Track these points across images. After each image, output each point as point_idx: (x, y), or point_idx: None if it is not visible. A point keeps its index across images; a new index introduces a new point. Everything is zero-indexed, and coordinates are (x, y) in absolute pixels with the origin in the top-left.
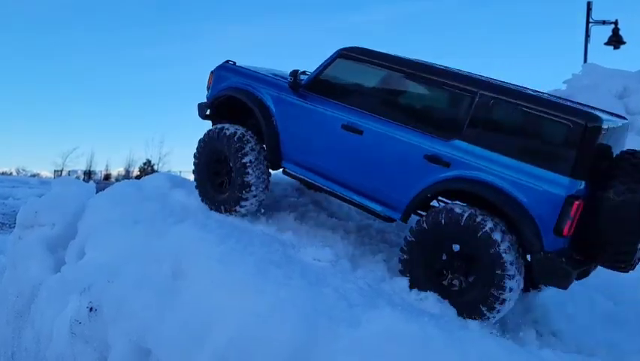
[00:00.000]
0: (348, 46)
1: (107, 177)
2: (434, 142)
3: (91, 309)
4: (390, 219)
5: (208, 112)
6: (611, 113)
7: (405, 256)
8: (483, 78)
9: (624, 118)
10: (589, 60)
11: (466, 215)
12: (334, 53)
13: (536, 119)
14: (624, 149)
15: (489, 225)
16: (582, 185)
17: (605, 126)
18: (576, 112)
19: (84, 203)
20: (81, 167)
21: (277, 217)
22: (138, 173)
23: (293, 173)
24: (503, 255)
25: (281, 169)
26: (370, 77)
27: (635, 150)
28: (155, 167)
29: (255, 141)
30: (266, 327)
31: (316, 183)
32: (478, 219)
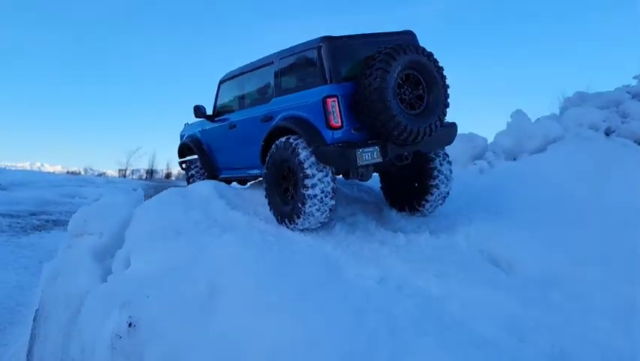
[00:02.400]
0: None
1: (168, 175)
2: (263, 107)
3: (130, 325)
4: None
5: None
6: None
7: (265, 186)
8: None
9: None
10: None
11: (283, 141)
12: (218, 83)
13: (303, 60)
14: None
15: (294, 143)
16: (336, 87)
17: (344, 41)
18: (317, 39)
19: (131, 212)
20: (144, 166)
21: (324, 228)
22: None
23: (223, 177)
24: (304, 161)
25: None
26: (234, 87)
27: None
28: None
29: None
30: (301, 357)
31: (231, 177)
32: (290, 140)
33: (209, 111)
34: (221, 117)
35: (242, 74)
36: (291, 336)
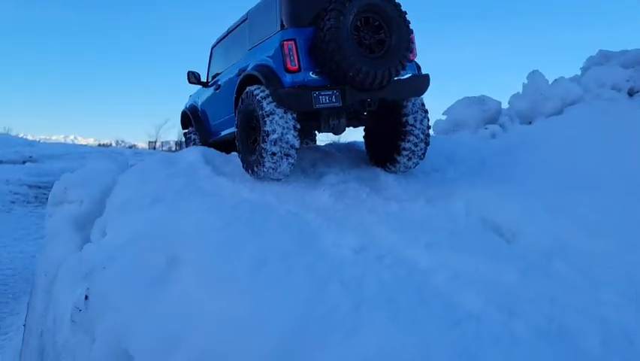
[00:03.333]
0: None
1: None
2: (239, 63)
3: (86, 297)
4: None
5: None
6: None
7: (238, 138)
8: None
9: None
10: None
11: (248, 89)
12: (210, 49)
13: (268, 11)
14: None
15: (255, 90)
16: (293, 31)
17: None
18: None
19: (115, 179)
20: (173, 137)
21: (310, 195)
22: None
23: (213, 140)
24: (263, 106)
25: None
26: (221, 51)
27: None
28: None
29: None
30: (243, 336)
31: (217, 139)
32: (252, 89)
33: (205, 79)
34: (213, 82)
35: (226, 35)
36: (235, 312)
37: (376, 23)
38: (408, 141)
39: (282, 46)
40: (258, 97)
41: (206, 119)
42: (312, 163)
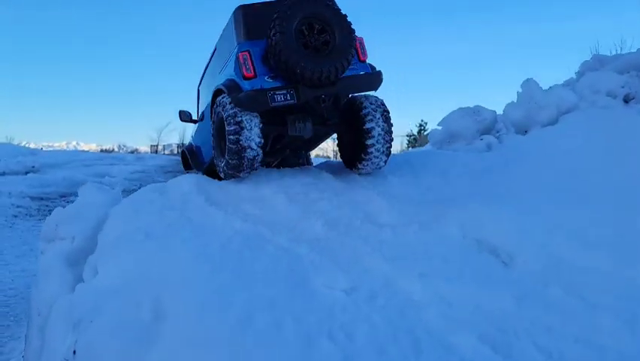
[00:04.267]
0: None
1: None
2: (214, 86)
3: (74, 352)
4: None
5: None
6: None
7: (213, 147)
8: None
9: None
10: None
11: (217, 100)
12: (197, 89)
13: (228, 33)
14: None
15: (221, 99)
16: (247, 43)
17: (257, 7)
18: (234, 10)
19: (107, 213)
20: (175, 140)
21: (304, 224)
22: None
23: (205, 170)
24: (225, 110)
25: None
26: (204, 86)
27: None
28: None
29: None
30: None
31: (207, 166)
32: (219, 98)
33: (195, 117)
34: (200, 116)
35: (204, 72)
36: None
37: (320, 27)
38: (371, 138)
39: (237, 58)
40: (223, 104)
41: (199, 151)
42: (305, 189)
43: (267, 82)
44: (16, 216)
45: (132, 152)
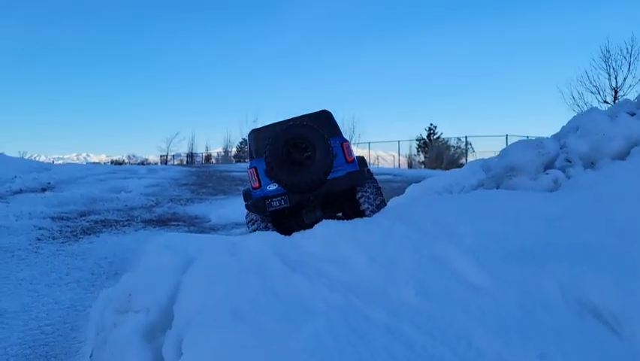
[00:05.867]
0: None
1: (208, 158)
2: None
3: None
4: None
5: None
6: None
7: None
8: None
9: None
10: None
11: None
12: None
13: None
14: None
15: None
16: (255, 161)
17: (265, 129)
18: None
19: (179, 280)
20: (183, 150)
21: (393, 288)
22: (236, 152)
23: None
24: (247, 211)
25: None
26: None
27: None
28: None
29: None
30: None
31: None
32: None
33: None
34: None
35: None
36: None
37: (303, 145)
38: (366, 215)
39: (249, 172)
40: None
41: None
42: (382, 245)
43: (269, 190)
44: (39, 240)
45: (142, 162)
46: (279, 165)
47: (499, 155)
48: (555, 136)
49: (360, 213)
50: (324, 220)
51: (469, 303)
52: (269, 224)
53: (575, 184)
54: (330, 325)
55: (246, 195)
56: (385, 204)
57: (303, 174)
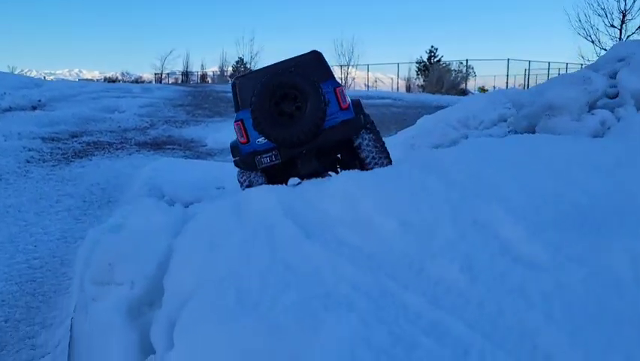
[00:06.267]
0: None
1: (204, 77)
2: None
3: None
4: None
5: None
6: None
7: None
8: None
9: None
10: None
11: None
12: None
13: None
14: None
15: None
16: (241, 113)
17: (250, 76)
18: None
19: (170, 245)
20: (178, 68)
21: (433, 265)
22: (232, 71)
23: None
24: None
25: None
26: None
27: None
28: (248, 65)
29: None
30: None
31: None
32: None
33: None
34: None
35: None
36: None
37: (292, 95)
38: (366, 163)
39: (234, 125)
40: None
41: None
42: (415, 206)
43: (258, 144)
44: (29, 162)
45: (136, 80)
46: (266, 118)
47: (533, 90)
48: (591, 67)
49: (361, 162)
50: (342, 172)
51: (527, 287)
52: (264, 180)
53: (627, 127)
54: (362, 323)
55: (234, 150)
56: (388, 152)
57: (294, 127)
